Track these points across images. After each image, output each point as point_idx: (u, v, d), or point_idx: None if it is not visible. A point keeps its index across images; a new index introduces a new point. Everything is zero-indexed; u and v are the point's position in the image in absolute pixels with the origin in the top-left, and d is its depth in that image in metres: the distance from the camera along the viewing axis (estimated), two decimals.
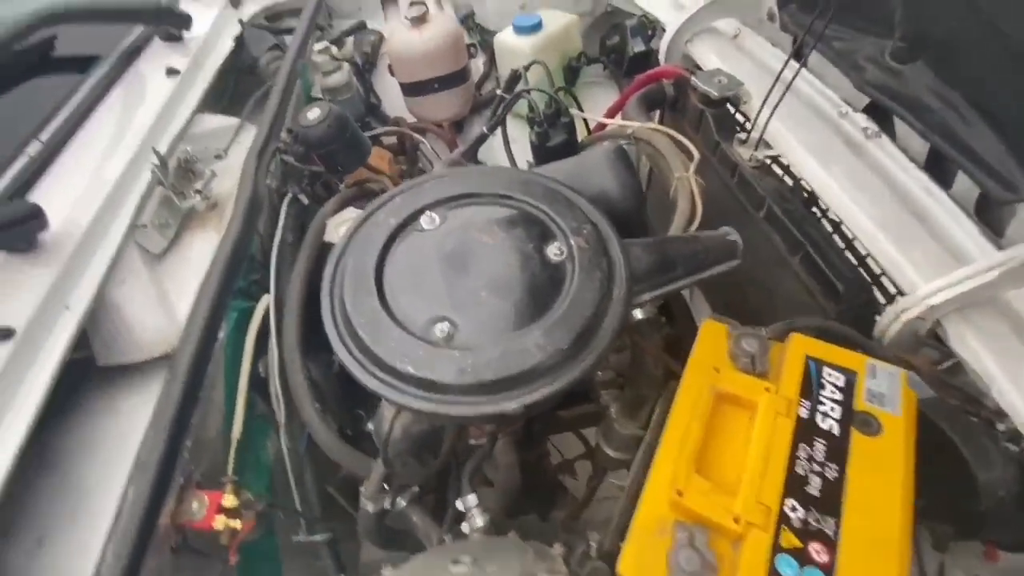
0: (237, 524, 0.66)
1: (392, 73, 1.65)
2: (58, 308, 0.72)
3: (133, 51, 1.27)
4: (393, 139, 1.62)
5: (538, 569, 0.58)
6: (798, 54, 1.04)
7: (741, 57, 1.29)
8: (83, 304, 0.74)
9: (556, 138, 1.15)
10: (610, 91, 1.79)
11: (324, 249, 0.98)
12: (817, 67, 1.14)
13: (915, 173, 0.92)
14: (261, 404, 0.86)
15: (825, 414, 0.59)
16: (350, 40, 1.74)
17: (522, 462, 1.01)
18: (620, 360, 0.94)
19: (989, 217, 0.87)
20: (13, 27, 1.03)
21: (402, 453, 0.68)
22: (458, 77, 1.62)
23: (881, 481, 0.54)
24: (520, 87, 1.24)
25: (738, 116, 1.17)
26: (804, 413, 0.59)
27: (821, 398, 0.60)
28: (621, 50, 1.65)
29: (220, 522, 0.65)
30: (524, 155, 1.29)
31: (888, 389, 0.61)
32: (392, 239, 0.73)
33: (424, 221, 0.75)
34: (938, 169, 0.94)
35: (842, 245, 0.98)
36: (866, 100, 1.08)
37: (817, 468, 0.55)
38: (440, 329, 0.63)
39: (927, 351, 0.78)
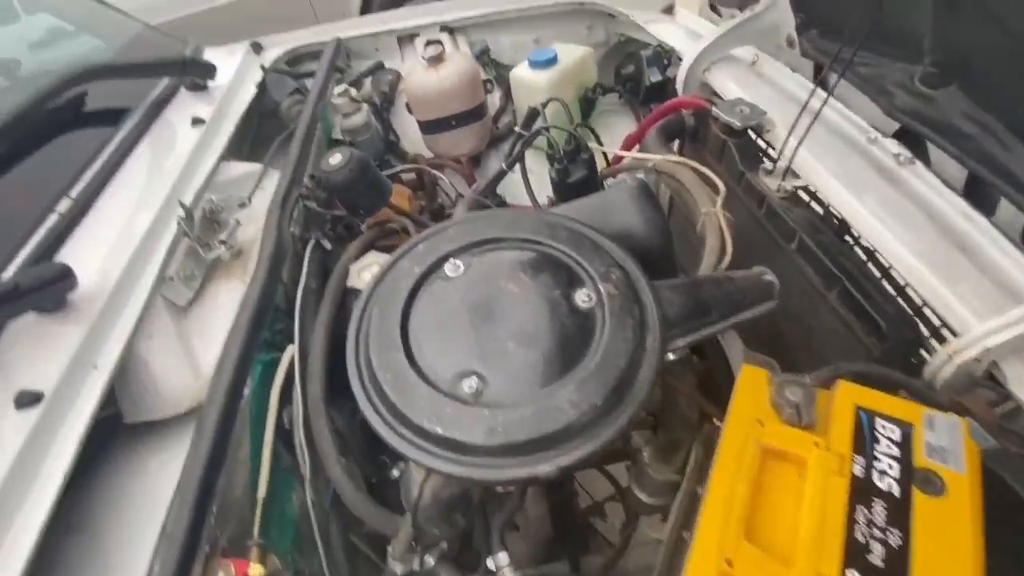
0: None
1: (410, 111, 1.67)
2: (86, 368, 0.72)
3: (160, 102, 1.31)
4: (412, 175, 1.64)
5: None
6: (823, 81, 1.02)
7: (761, 84, 1.28)
8: (111, 362, 0.74)
9: (576, 174, 1.14)
10: (625, 119, 1.79)
11: (347, 295, 0.98)
12: (841, 92, 1.12)
13: (954, 200, 0.88)
14: (286, 456, 0.85)
15: (882, 472, 0.55)
16: (368, 80, 1.77)
17: (550, 505, 0.97)
18: (651, 398, 0.91)
19: None
20: (47, 87, 1.07)
21: (433, 518, 0.66)
22: (475, 113, 1.63)
23: (949, 547, 0.50)
24: (539, 123, 1.24)
25: (760, 143, 1.14)
26: (859, 471, 0.55)
27: (876, 454, 0.56)
28: (637, 79, 1.65)
29: None
30: (542, 186, 1.28)
31: (949, 443, 0.57)
32: (416, 288, 0.72)
33: (448, 268, 0.74)
34: (978, 196, 0.90)
35: (878, 275, 0.94)
36: (894, 125, 1.05)
37: (878, 534, 0.51)
38: (468, 385, 0.61)
39: (982, 391, 0.73)
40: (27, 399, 0.66)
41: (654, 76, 1.55)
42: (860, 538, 0.51)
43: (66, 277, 0.76)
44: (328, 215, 1.09)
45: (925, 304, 0.82)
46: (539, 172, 1.27)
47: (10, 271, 0.81)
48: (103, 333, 0.77)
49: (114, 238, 0.91)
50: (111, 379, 0.73)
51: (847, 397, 0.61)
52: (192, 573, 0.57)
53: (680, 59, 1.42)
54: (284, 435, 0.84)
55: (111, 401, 0.77)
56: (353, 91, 1.46)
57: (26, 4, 1.76)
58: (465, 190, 1.67)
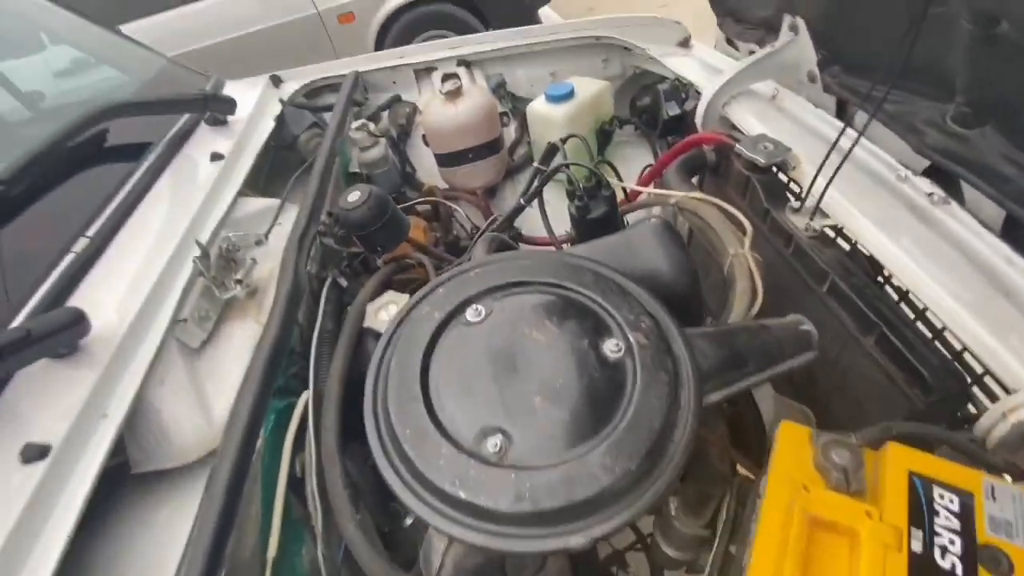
0: None
1: (427, 143, 1.67)
2: (96, 418, 0.70)
3: (180, 137, 1.31)
4: (427, 206, 1.63)
5: None
6: (851, 119, 1.00)
7: (781, 118, 1.26)
8: (122, 411, 0.72)
9: (597, 211, 1.11)
10: (642, 150, 1.78)
11: (363, 334, 0.95)
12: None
13: (994, 243, 0.85)
14: (297, 506, 0.82)
15: (944, 549, 0.50)
16: (385, 114, 1.78)
17: (571, 558, 0.92)
18: (687, 461, 0.87)
19: None
20: (72, 124, 1.07)
21: None
22: (492, 147, 1.63)
23: None
24: (558, 159, 1.23)
25: (783, 178, 1.12)
26: (917, 547, 0.51)
27: (936, 528, 0.52)
28: (653, 111, 1.64)
29: None
30: (559, 219, 1.26)
31: (1014, 515, 0.52)
32: (437, 335, 0.69)
33: (470, 314, 0.71)
34: (1018, 237, 0.87)
35: (912, 316, 0.90)
36: (922, 163, 1.02)
37: None
38: (493, 443, 0.58)
39: None
40: (34, 453, 0.64)
41: (672, 110, 1.54)
42: None
43: (79, 322, 0.74)
44: (345, 252, 1.08)
45: (966, 349, 0.78)
46: (556, 204, 1.25)
47: (25, 313, 0.80)
48: (114, 379, 0.75)
49: (129, 278, 0.90)
50: (121, 428, 0.71)
51: (900, 462, 0.57)
52: None
53: (699, 93, 1.41)
54: (295, 484, 0.81)
55: (120, 449, 0.74)
56: (371, 125, 1.46)
57: (52, 36, 1.80)
58: (480, 222, 1.65)
